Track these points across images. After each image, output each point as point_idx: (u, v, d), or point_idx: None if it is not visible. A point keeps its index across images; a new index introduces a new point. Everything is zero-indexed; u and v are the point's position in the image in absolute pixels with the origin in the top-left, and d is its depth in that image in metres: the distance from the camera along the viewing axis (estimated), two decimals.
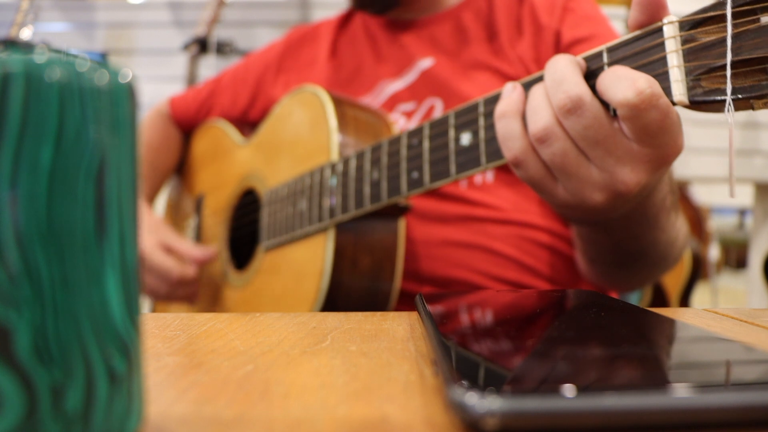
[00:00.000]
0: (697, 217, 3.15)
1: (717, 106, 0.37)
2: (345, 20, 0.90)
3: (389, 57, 0.82)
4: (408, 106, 0.77)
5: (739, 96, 0.36)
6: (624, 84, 0.38)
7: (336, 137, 0.65)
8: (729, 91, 0.36)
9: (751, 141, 1.90)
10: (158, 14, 2.09)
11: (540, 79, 0.45)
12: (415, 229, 0.71)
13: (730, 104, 0.36)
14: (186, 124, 1.02)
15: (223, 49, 1.74)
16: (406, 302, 0.68)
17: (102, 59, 0.19)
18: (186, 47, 1.72)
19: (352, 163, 0.61)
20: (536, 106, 0.43)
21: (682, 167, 1.95)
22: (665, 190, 0.52)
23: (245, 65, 0.97)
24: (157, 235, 0.81)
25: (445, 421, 0.20)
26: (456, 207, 0.72)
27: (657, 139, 0.40)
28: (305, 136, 0.70)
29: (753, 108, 0.37)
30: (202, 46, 1.71)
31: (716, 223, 4.15)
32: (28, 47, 0.17)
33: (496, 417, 0.18)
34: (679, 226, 0.60)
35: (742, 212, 4.79)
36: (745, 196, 2.62)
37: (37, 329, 0.17)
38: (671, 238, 0.59)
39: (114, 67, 0.19)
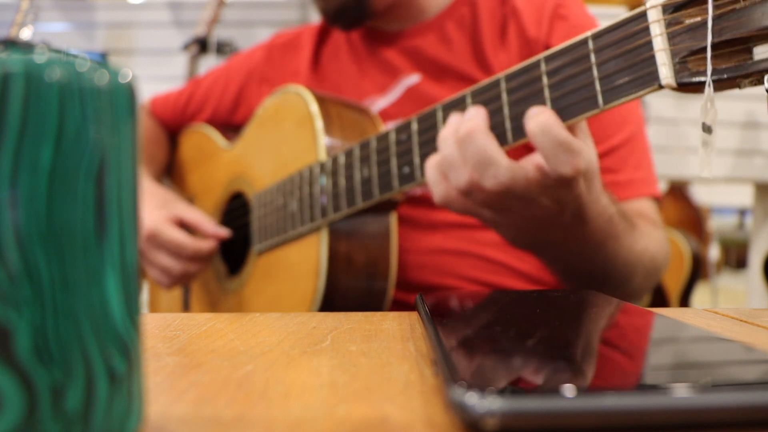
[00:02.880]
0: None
1: (704, 87, 0.38)
2: (327, 28, 0.87)
3: (373, 72, 0.79)
4: (395, 124, 0.76)
5: (725, 76, 0.37)
6: (564, 159, 0.43)
7: (322, 136, 0.64)
8: (709, 71, 0.37)
9: (751, 141, 1.90)
10: (158, 14, 2.09)
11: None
12: (405, 237, 0.70)
13: (710, 84, 0.37)
14: (165, 127, 1.00)
15: (223, 49, 1.74)
16: (398, 311, 0.68)
17: (102, 59, 0.19)
18: (186, 47, 1.72)
19: (341, 161, 0.61)
20: (454, 162, 0.47)
21: (682, 167, 1.95)
22: (605, 217, 0.53)
23: (226, 71, 0.95)
24: (168, 208, 0.78)
25: (445, 421, 0.20)
26: (444, 213, 0.71)
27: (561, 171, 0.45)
28: (291, 136, 0.69)
29: (740, 87, 0.38)
30: (202, 46, 1.71)
31: (716, 223, 4.14)
32: (28, 47, 0.17)
33: (496, 417, 0.18)
34: (641, 247, 0.61)
35: (742, 212, 4.79)
36: (745, 196, 2.62)
37: (37, 329, 0.17)
38: (632, 260, 0.60)
39: (114, 67, 0.19)
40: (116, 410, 0.18)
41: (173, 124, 1.00)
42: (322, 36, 0.87)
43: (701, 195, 3.21)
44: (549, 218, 0.49)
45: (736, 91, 0.39)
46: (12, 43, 0.17)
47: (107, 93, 0.18)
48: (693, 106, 1.85)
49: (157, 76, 1.96)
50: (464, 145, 0.46)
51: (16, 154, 0.17)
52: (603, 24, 0.44)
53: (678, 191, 3.13)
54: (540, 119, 0.43)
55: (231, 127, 0.93)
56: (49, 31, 2.10)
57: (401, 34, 0.79)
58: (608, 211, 0.53)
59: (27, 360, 0.17)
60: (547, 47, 0.71)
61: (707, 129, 0.39)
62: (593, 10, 0.79)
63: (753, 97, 1.79)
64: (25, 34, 1.48)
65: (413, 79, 0.76)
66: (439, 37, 0.77)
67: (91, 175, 0.18)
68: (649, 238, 0.63)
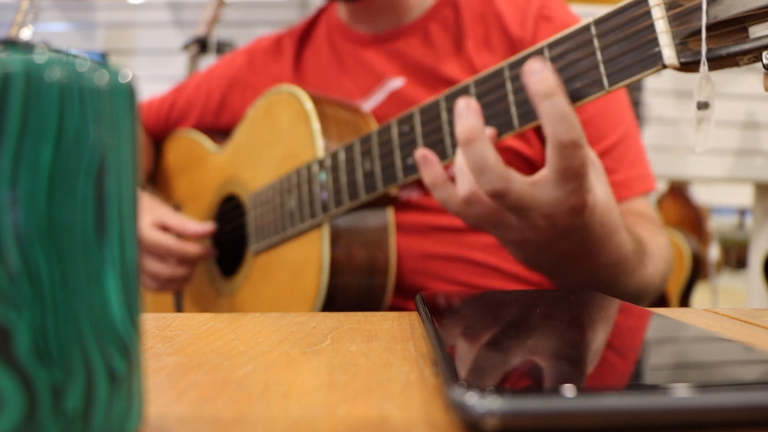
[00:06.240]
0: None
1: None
2: (308, 31, 0.86)
3: (355, 75, 0.78)
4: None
5: (724, 53, 0.39)
6: (564, 127, 0.43)
7: (319, 135, 0.65)
8: (704, 50, 0.40)
9: (751, 141, 1.90)
10: (158, 14, 2.09)
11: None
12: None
13: (704, 63, 0.40)
14: (149, 134, 1.00)
15: (223, 49, 1.74)
16: None
17: (102, 59, 0.19)
18: (186, 47, 1.72)
19: (341, 157, 0.61)
20: (460, 170, 0.48)
21: (682, 167, 1.95)
22: (618, 254, 0.53)
23: (208, 78, 0.94)
24: (152, 213, 0.79)
25: (445, 421, 0.20)
26: (431, 217, 0.71)
27: (571, 183, 0.44)
28: (286, 136, 0.69)
29: (738, 65, 0.40)
30: (202, 46, 1.71)
31: (716, 223, 4.14)
32: (28, 47, 0.17)
33: (496, 417, 0.18)
34: (651, 271, 0.60)
35: (742, 212, 4.79)
36: (745, 196, 2.62)
37: (37, 329, 0.17)
38: (641, 287, 0.60)
39: (114, 67, 0.19)
40: (116, 410, 0.18)
41: (156, 131, 0.99)
42: (303, 40, 0.86)
43: (701, 195, 3.20)
44: (548, 241, 0.49)
45: (736, 91, 0.40)
46: (12, 43, 0.17)
47: (107, 93, 0.18)
48: (693, 106, 1.85)
49: (157, 76, 1.96)
50: (465, 152, 0.46)
51: (16, 154, 0.17)
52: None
53: (678, 191, 3.13)
54: (544, 84, 0.43)
55: (218, 131, 0.92)
56: (49, 31, 2.10)
57: (384, 35, 0.78)
58: (623, 249, 0.53)
59: (27, 360, 0.17)
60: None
61: (703, 105, 0.41)
62: (577, 9, 0.78)
63: (753, 97, 1.79)
64: (25, 34, 1.48)
65: (397, 83, 0.75)
66: (423, 38, 0.76)
67: (91, 175, 0.18)
68: (659, 258, 0.63)
